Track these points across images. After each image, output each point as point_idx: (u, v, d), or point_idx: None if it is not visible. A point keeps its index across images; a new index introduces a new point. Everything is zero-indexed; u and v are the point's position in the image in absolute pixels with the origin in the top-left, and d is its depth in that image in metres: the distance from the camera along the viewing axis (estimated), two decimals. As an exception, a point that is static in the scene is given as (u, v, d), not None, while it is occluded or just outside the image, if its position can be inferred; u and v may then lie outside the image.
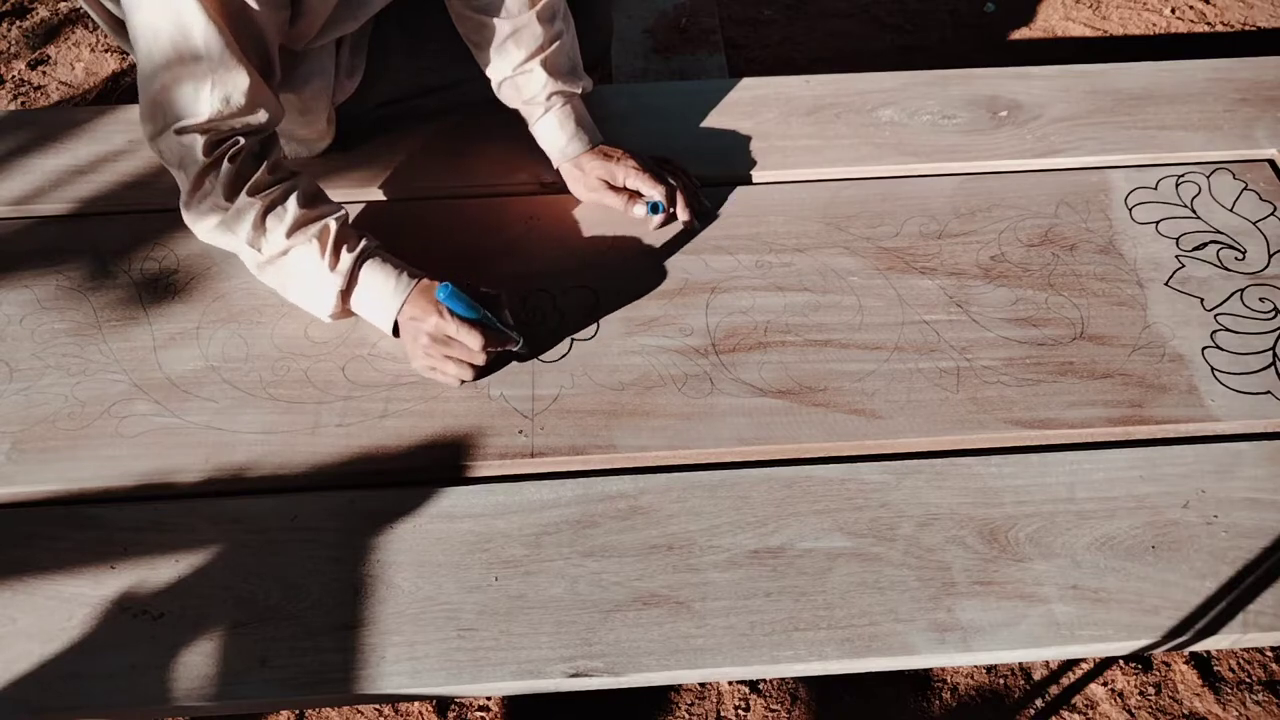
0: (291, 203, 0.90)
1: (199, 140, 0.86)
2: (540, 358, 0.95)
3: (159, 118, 0.86)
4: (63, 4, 2.05)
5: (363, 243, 0.93)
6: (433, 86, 1.16)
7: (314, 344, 0.96)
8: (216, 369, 0.94)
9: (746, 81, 1.23)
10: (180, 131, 0.85)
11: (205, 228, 0.91)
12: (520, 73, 1.05)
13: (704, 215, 1.07)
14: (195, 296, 1.00)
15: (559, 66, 1.06)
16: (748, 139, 1.15)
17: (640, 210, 1.05)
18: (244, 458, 0.88)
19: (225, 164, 0.87)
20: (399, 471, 0.87)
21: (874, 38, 1.99)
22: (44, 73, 1.92)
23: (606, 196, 1.06)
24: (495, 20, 1.03)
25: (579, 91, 1.08)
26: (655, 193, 1.04)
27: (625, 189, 1.06)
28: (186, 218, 0.92)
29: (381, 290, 0.91)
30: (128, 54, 1.93)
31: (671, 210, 1.05)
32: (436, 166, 1.13)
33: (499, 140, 1.15)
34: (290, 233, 0.89)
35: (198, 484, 0.86)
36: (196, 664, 0.76)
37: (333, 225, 0.91)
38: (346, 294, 0.92)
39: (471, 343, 0.89)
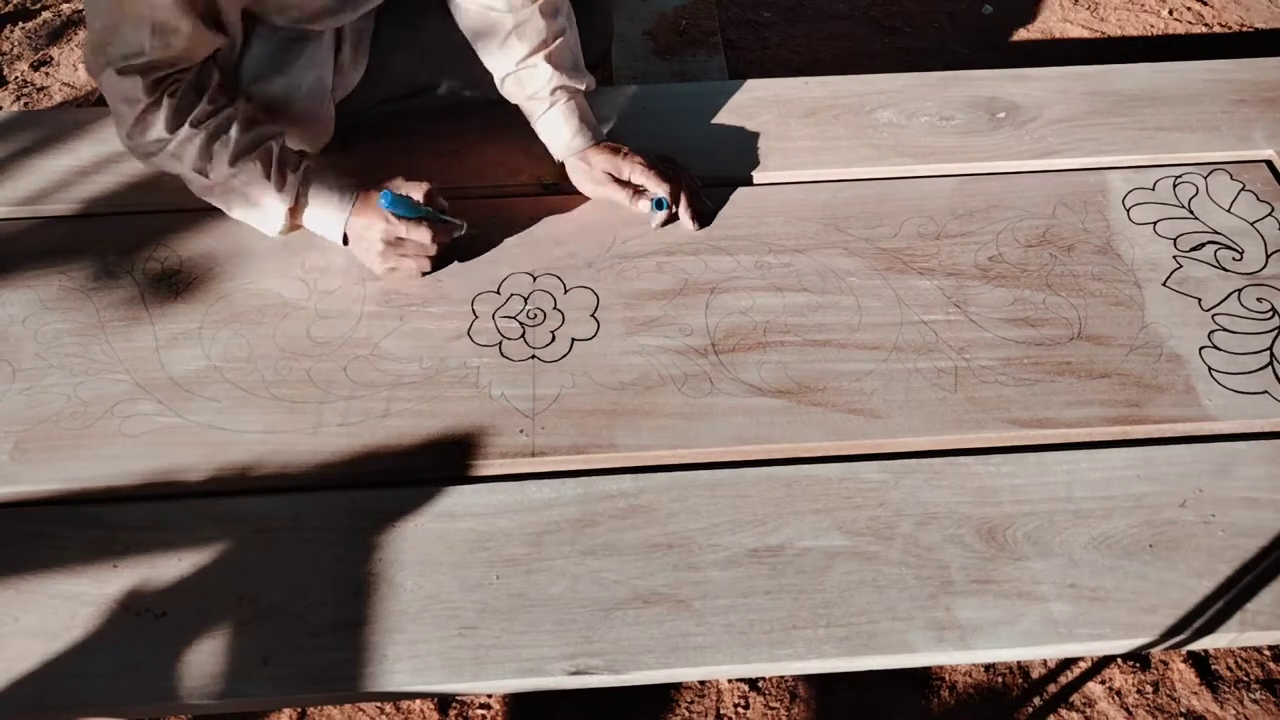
0: (234, 130, 0.94)
1: (139, 80, 0.90)
2: (541, 358, 0.95)
3: (100, 55, 0.90)
4: (65, 5, 2.06)
5: (304, 162, 0.99)
6: (433, 85, 1.16)
7: (316, 344, 0.96)
8: (219, 369, 0.95)
9: (745, 83, 1.24)
10: (122, 71, 0.89)
11: (148, 156, 0.96)
12: (523, 67, 1.05)
13: (705, 217, 1.08)
14: (198, 296, 1.01)
15: (563, 62, 1.06)
16: (747, 140, 1.16)
17: (644, 206, 1.06)
18: (246, 457, 0.88)
19: (166, 99, 0.91)
20: (401, 471, 0.88)
21: (872, 39, 2.00)
22: (46, 74, 1.92)
23: (612, 191, 1.07)
24: (498, 14, 1.03)
25: (583, 88, 1.08)
26: (661, 189, 1.05)
27: (630, 184, 1.07)
28: (129, 148, 0.96)
29: (327, 204, 0.99)
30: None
31: (675, 209, 1.06)
32: (436, 166, 1.14)
33: (499, 140, 1.16)
34: (235, 159, 0.95)
35: (200, 483, 0.87)
36: (199, 662, 0.76)
37: (274, 147, 0.97)
38: (295, 211, 1.00)
39: (422, 238, 0.98)
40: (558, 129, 1.07)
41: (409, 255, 0.99)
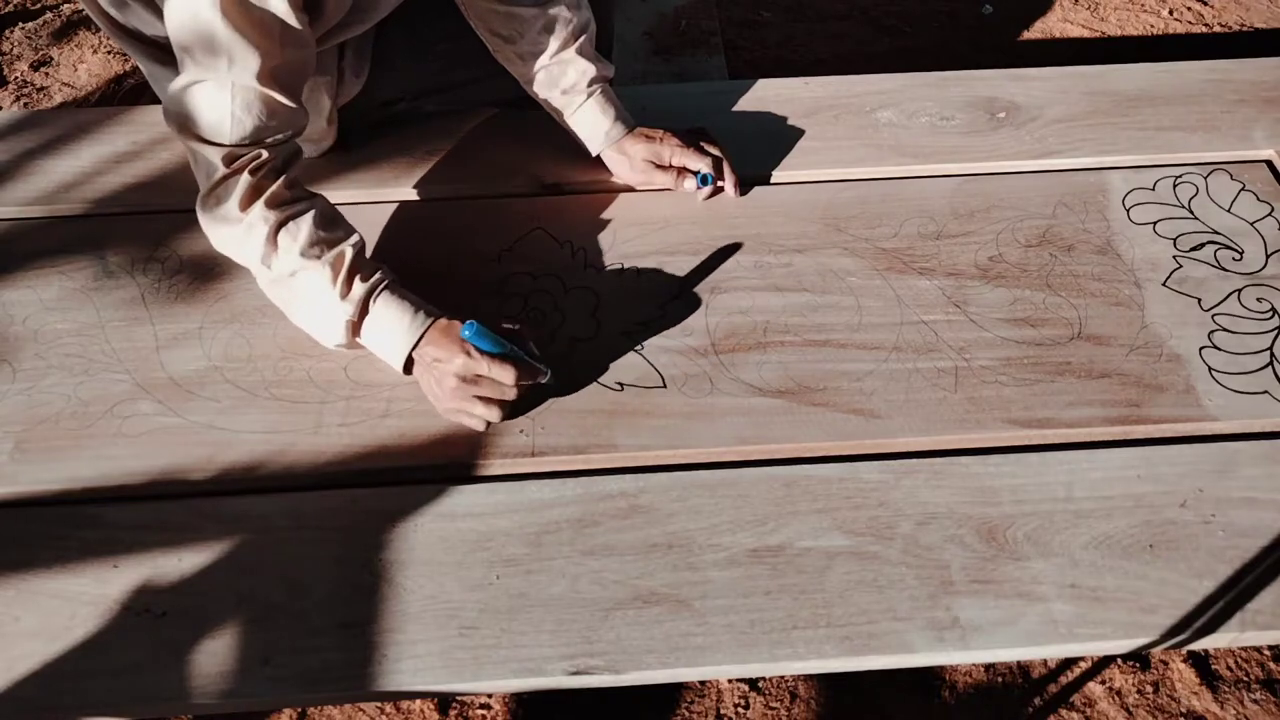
0: (306, 222, 0.87)
1: (220, 151, 0.85)
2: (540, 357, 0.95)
3: (176, 119, 0.85)
4: (66, 6, 2.06)
5: (377, 274, 0.89)
6: (434, 87, 1.16)
7: (316, 344, 0.96)
8: (219, 369, 0.95)
9: (745, 83, 1.24)
10: (201, 141, 0.84)
11: (217, 235, 0.89)
12: (557, 61, 1.05)
13: (744, 183, 1.09)
14: (198, 297, 1.01)
15: (593, 53, 1.07)
16: (747, 140, 1.16)
17: (690, 185, 1.07)
18: (247, 457, 0.88)
19: (245, 175, 0.85)
20: (401, 471, 0.88)
21: (872, 39, 2.00)
22: (47, 74, 1.93)
23: (656, 176, 1.08)
24: (526, 10, 1.03)
25: (611, 75, 1.09)
26: (703, 165, 1.07)
27: (673, 166, 1.08)
28: (200, 218, 0.89)
29: (395, 326, 0.88)
30: (129, 57, 1.93)
31: (720, 182, 1.08)
32: (437, 167, 1.14)
33: (500, 141, 1.16)
34: (303, 253, 0.86)
35: (200, 483, 0.87)
36: (199, 663, 0.76)
37: (348, 252, 0.88)
38: (357, 325, 0.89)
39: (505, 378, 0.85)
40: (596, 121, 1.07)
41: (482, 398, 0.86)
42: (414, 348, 0.88)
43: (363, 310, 0.88)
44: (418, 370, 0.90)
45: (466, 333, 0.84)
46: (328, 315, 0.88)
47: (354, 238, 0.90)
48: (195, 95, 0.83)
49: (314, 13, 0.89)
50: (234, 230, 0.87)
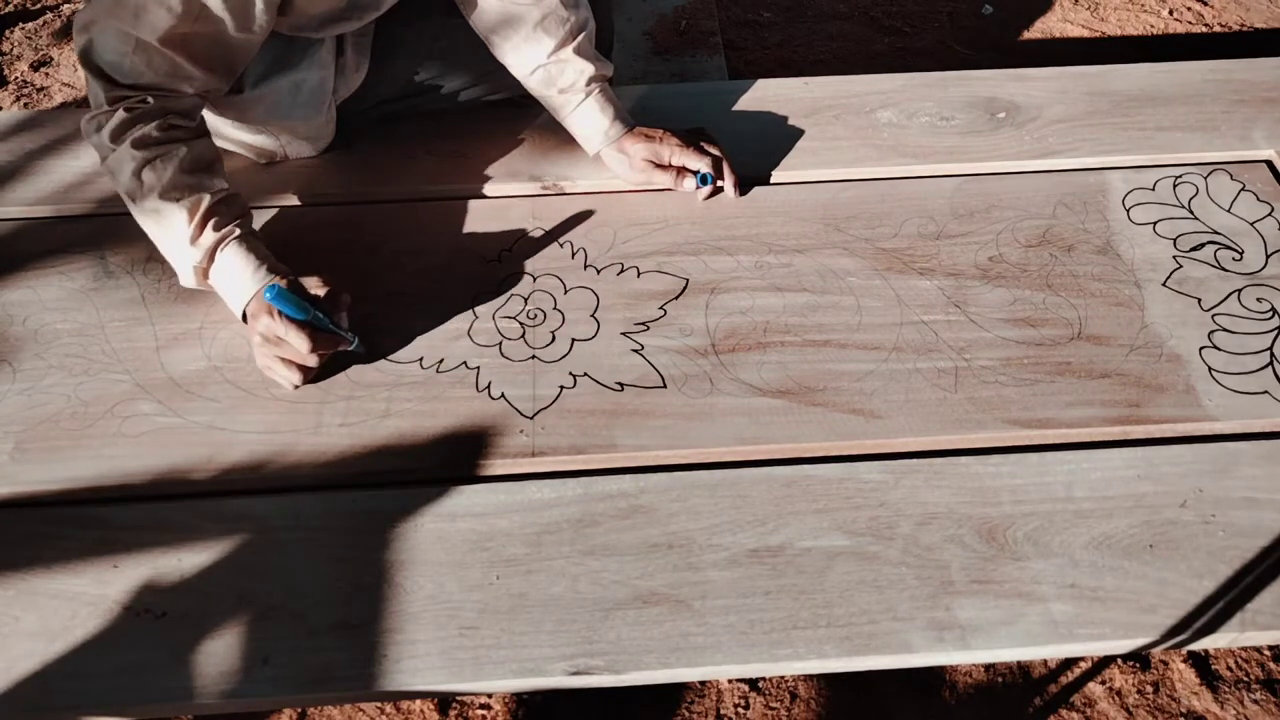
0: (172, 163, 0.90)
1: (109, 87, 0.89)
2: (541, 358, 0.95)
3: (80, 44, 0.88)
4: (65, 6, 2.06)
5: (230, 225, 0.92)
6: (433, 85, 1.16)
7: (316, 344, 0.96)
8: (219, 369, 0.95)
9: (745, 83, 1.24)
10: (96, 73, 0.89)
11: (96, 156, 0.94)
12: (555, 61, 1.05)
13: (744, 183, 1.10)
14: (198, 297, 1.01)
15: (590, 51, 1.07)
16: (746, 141, 1.16)
17: (690, 184, 1.07)
18: (246, 457, 0.88)
19: (121, 110, 0.89)
20: (400, 471, 0.88)
21: (872, 40, 2.00)
22: (47, 74, 1.93)
23: (655, 176, 1.08)
24: (521, 8, 1.03)
25: (609, 74, 1.09)
26: (702, 165, 1.07)
27: (672, 166, 1.08)
28: (84, 136, 0.93)
29: (237, 278, 0.91)
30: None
31: (720, 182, 1.08)
32: (437, 166, 1.14)
33: (499, 140, 1.16)
34: (164, 193, 0.90)
35: (200, 483, 0.87)
36: (199, 663, 0.76)
37: (206, 199, 0.91)
38: (205, 271, 0.92)
39: (300, 345, 0.88)
40: (595, 120, 1.07)
41: (283, 359, 0.90)
42: (248, 303, 0.91)
43: (209, 258, 0.91)
44: (247, 325, 0.93)
45: (268, 295, 0.87)
46: (180, 257, 0.92)
47: (218, 185, 0.93)
48: (100, 32, 0.87)
49: (284, 7, 0.92)
50: (106, 158, 0.91)
